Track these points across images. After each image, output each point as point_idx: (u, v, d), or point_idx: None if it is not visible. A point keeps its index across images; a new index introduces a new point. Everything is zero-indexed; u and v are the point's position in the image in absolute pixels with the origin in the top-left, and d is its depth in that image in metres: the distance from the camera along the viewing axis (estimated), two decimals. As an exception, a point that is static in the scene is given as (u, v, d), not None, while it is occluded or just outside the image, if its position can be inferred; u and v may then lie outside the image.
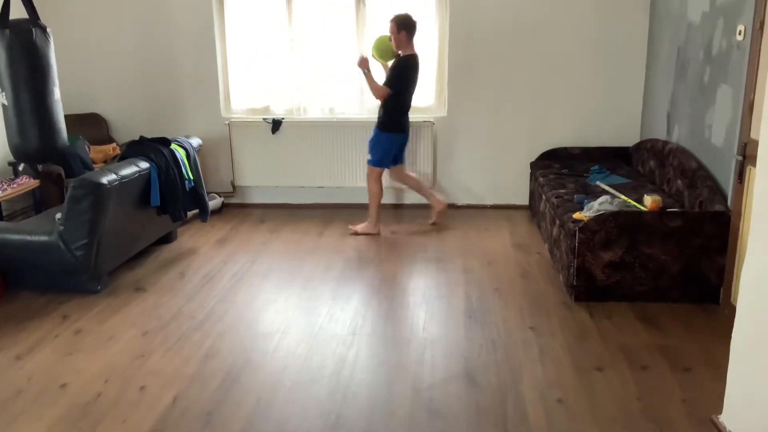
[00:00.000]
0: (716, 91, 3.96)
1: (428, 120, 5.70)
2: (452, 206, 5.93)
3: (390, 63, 5.01)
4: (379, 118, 5.04)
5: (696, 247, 3.70)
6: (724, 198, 3.77)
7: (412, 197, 5.92)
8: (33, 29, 4.03)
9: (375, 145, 5.07)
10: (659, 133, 5.06)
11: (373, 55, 5.02)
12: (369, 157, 5.11)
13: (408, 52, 4.90)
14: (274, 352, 3.34)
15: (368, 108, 5.80)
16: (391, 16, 4.83)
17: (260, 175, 5.94)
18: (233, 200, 6.12)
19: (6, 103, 4.11)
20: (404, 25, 4.81)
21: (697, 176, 4.04)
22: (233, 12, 5.77)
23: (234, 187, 6.08)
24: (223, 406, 2.84)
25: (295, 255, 4.77)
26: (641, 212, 3.85)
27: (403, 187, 5.45)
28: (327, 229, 5.33)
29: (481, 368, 3.12)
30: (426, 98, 5.78)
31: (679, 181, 4.30)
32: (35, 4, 4.13)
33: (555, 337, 3.42)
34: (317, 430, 2.68)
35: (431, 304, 3.90)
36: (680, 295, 3.78)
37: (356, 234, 5.17)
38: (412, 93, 5.03)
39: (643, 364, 3.13)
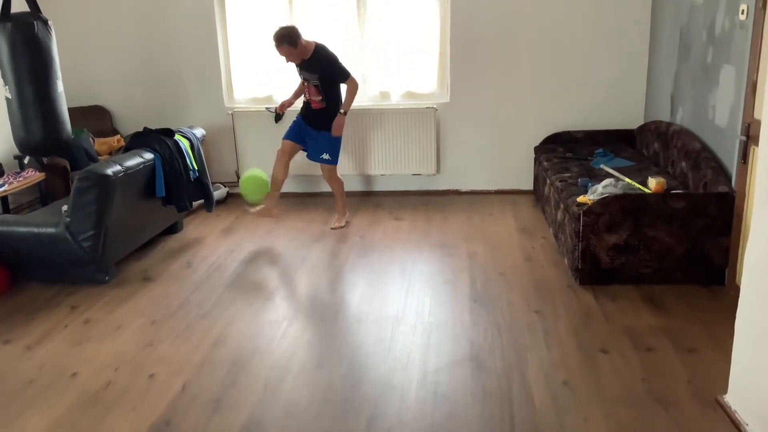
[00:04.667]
0: (719, 72, 3.95)
1: (431, 106, 5.70)
2: (456, 192, 5.94)
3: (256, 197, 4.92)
4: (326, 120, 4.85)
5: (700, 229, 3.70)
6: (728, 179, 3.76)
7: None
8: (35, 22, 4.04)
9: (333, 147, 4.94)
10: (663, 115, 5.04)
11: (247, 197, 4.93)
12: (326, 156, 4.92)
13: (314, 43, 4.74)
14: (281, 339, 3.36)
15: (370, 96, 5.80)
16: (275, 39, 4.56)
17: (264, 165, 5.94)
18: (237, 190, 6.13)
19: (10, 97, 4.12)
20: (294, 35, 4.57)
21: (701, 157, 4.03)
22: (234, 1, 5.76)
23: (238, 176, 6.09)
24: (231, 393, 2.88)
25: (301, 243, 4.79)
26: (645, 194, 3.85)
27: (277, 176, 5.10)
28: (332, 217, 5.34)
29: (487, 352, 3.15)
30: (428, 84, 5.78)
31: (683, 163, 4.29)
32: (36, -3, 4.14)
33: (560, 320, 3.44)
34: (325, 415, 2.71)
35: (436, 289, 3.92)
36: (685, 276, 3.79)
37: (341, 227, 5.10)
38: None
39: (648, 346, 3.14)
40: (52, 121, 4.15)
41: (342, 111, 4.84)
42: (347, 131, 5.26)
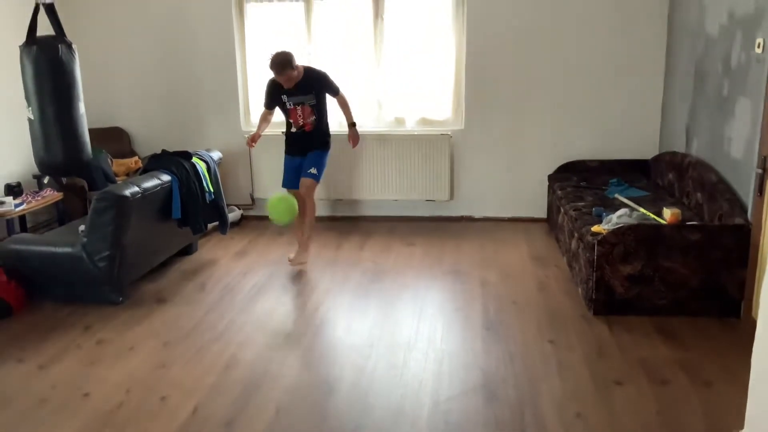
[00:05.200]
0: (735, 104, 3.95)
1: (445, 133, 5.73)
2: (469, 219, 5.95)
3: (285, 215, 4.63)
4: (318, 138, 4.79)
5: (716, 261, 3.68)
6: (744, 211, 3.74)
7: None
8: (59, 45, 4.11)
9: (321, 165, 4.83)
10: (678, 146, 5.04)
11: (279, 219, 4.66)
12: (314, 171, 4.77)
13: (302, 66, 4.69)
14: (293, 363, 3.36)
15: (386, 121, 5.85)
16: (279, 66, 4.51)
17: (279, 188, 5.97)
18: (252, 213, 6.18)
19: (32, 117, 4.19)
20: (293, 58, 4.55)
21: (717, 189, 4.02)
22: (253, 26, 5.86)
23: (253, 199, 6.14)
24: (242, 417, 2.87)
25: (313, 267, 4.80)
26: (660, 225, 3.83)
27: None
28: (344, 242, 5.35)
29: (499, 381, 3.12)
30: (443, 111, 5.82)
31: (699, 194, 4.28)
32: (61, 21, 4.23)
33: (574, 351, 3.41)
34: (336, 441, 2.69)
35: (448, 317, 3.90)
36: (700, 308, 3.76)
37: (302, 263, 4.86)
38: None
39: (663, 379, 3.11)
40: (73, 142, 4.20)
41: (353, 123, 4.91)
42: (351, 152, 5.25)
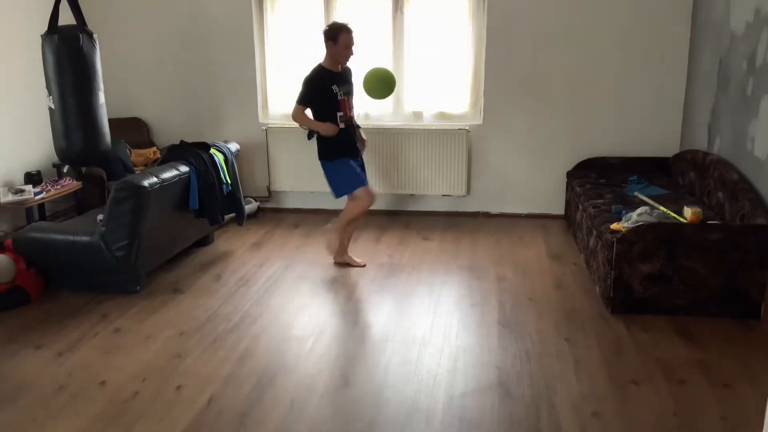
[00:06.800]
0: (759, 103, 3.89)
1: (463, 128, 5.70)
2: (486, 214, 5.91)
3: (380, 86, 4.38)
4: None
5: (736, 261, 3.62)
6: (766, 211, 3.68)
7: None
8: (80, 35, 4.14)
9: None
10: (700, 144, 4.97)
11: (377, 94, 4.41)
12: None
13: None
14: (308, 355, 3.36)
15: (404, 115, 5.83)
16: (353, 29, 4.29)
17: (295, 181, 6.00)
18: (269, 205, 6.19)
19: (53, 107, 4.22)
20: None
21: (739, 189, 3.96)
22: (273, 19, 5.86)
23: (270, 191, 6.15)
24: (257, 408, 2.88)
25: (329, 260, 4.79)
26: (681, 224, 3.79)
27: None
28: (360, 236, 5.35)
29: (515, 378, 3.10)
30: (461, 106, 5.79)
31: (720, 194, 4.22)
32: (83, 11, 4.25)
33: (590, 349, 3.38)
34: (350, 435, 2.69)
35: (464, 312, 3.88)
36: (719, 309, 3.71)
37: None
38: None
39: (681, 379, 3.07)
40: (93, 132, 4.24)
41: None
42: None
